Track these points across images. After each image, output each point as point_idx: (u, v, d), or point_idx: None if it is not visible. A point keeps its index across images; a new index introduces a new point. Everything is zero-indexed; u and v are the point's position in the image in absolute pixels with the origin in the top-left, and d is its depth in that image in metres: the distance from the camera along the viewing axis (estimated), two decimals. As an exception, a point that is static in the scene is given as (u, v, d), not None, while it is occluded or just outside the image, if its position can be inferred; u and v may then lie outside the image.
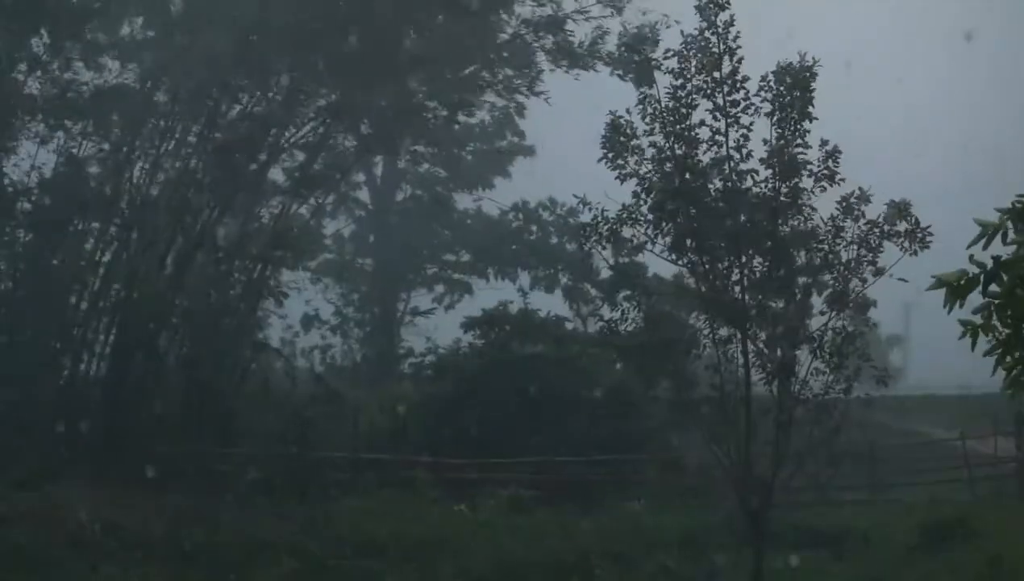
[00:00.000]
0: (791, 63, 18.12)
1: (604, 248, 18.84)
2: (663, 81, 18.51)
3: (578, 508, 29.09)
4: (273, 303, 35.30)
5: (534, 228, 46.95)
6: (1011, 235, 6.05)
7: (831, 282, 18.48)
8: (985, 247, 6.04)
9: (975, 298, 6.18)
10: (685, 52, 18.21)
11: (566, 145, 45.37)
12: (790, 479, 19.66)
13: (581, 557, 24.26)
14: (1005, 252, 6.09)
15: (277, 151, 33.32)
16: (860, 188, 18.51)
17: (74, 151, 32.00)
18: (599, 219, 18.39)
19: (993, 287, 6.05)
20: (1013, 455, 31.86)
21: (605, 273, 44.41)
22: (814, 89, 18.00)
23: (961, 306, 6.13)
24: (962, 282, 6.06)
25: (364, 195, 47.82)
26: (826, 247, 18.60)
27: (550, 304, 44.82)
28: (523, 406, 34.36)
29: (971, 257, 6.08)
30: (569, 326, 43.36)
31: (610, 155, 18.21)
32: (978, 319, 6.18)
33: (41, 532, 23.09)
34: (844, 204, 18.52)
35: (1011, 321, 6.13)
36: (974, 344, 6.24)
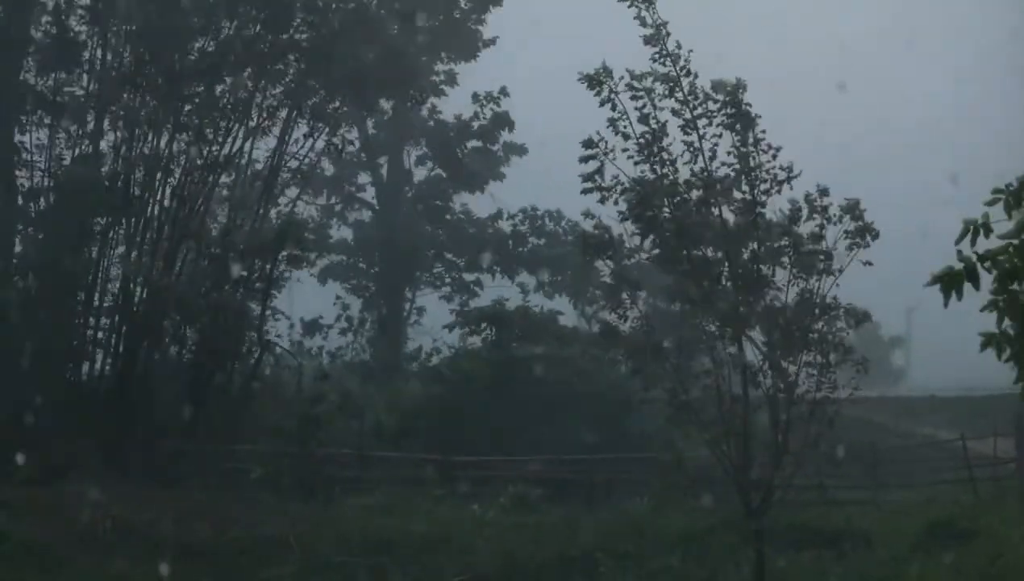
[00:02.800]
0: (722, 79, 18.92)
1: (606, 257, 19.37)
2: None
3: (582, 506, 29.33)
4: (278, 301, 35.57)
5: (535, 239, 47.39)
6: (996, 229, 6.18)
7: (793, 274, 19.06)
8: (972, 244, 6.23)
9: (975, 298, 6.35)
10: (643, 80, 18.86)
11: (557, 149, 46.26)
12: (790, 478, 19.94)
13: (585, 555, 24.44)
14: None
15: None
16: (818, 185, 19.16)
17: (76, 144, 32.35)
18: (599, 230, 18.99)
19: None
20: (1013, 455, 32.08)
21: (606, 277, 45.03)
22: (747, 103, 18.82)
23: (959, 299, 6.23)
24: (949, 277, 6.22)
25: (370, 196, 48.28)
26: (786, 240, 19.16)
27: (553, 304, 45.40)
28: (527, 405, 34.59)
29: (959, 253, 6.25)
30: (569, 324, 43.84)
31: (591, 185, 18.90)
32: (995, 328, 6.32)
33: (52, 528, 23.30)
34: (806, 198, 19.16)
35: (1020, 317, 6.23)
36: (999, 354, 6.34)
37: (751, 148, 18.88)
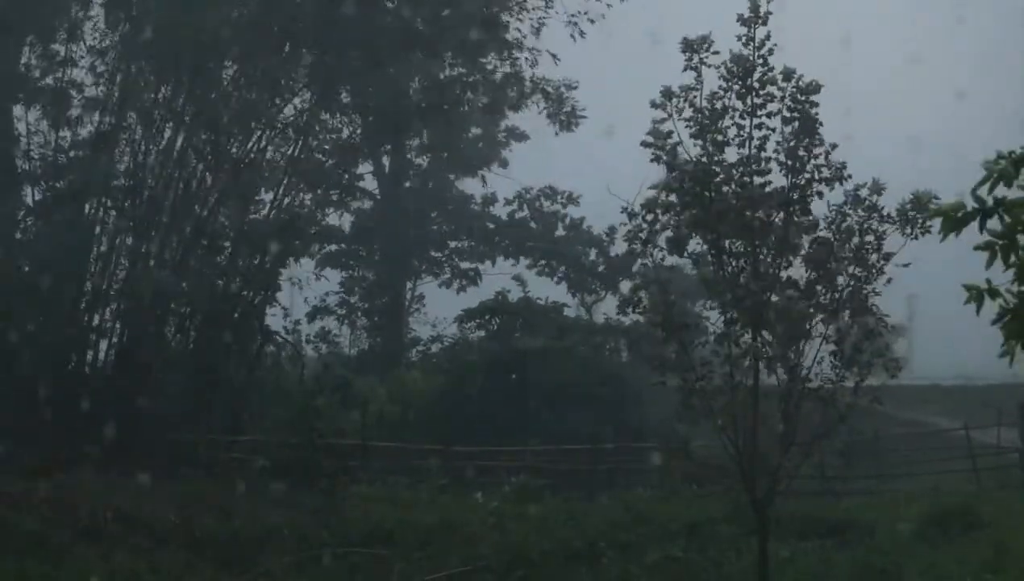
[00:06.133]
0: (797, 72, 18.53)
1: (652, 250, 18.98)
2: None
3: (585, 496, 29.31)
4: (278, 291, 35.54)
5: (533, 223, 47.32)
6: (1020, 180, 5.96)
7: (845, 277, 18.66)
8: (990, 191, 5.99)
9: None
10: (729, 64, 18.59)
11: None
12: (796, 468, 19.82)
13: (588, 545, 24.44)
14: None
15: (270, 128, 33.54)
16: (874, 178, 18.69)
17: (73, 135, 32.29)
18: (641, 222, 18.65)
19: (993, 226, 5.98)
20: (1016, 445, 32.07)
21: (601, 267, 45.13)
22: (818, 104, 18.52)
23: (956, 235, 6.06)
24: (959, 214, 6.00)
25: (371, 185, 48.16)
26: (831, 236, 18.77)
27: (552, 292, 45.37)
28: (529, 395, 34.62)
29: (973, 192, 6.03)
30: (571, 314, 43.84)
31: (656, 142, 18.58)
32: (982, 284, 6.07)
33: (54, 520, 23.22)
34: (855, 193, 18.73)
35: (1016, 268, 6.02)
36: (979, 309, 6.11)
37: (802, 148, 18.56)
